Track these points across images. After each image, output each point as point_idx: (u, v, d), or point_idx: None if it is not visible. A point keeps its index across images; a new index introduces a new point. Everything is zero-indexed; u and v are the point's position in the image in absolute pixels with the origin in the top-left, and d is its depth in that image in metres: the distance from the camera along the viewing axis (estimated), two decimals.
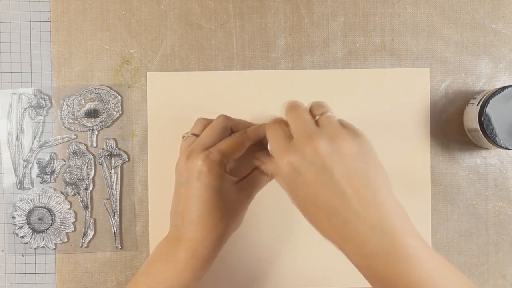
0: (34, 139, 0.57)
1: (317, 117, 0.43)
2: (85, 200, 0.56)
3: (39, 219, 0.56)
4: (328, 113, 0.43)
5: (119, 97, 0.57)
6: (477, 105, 0.51)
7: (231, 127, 0.50)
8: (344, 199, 0.38)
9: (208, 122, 0.50)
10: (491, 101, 0.50)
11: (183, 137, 0.51)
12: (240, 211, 0.48)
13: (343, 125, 0.42)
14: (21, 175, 0.57)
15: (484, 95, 0.51)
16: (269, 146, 0.46)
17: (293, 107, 0.44)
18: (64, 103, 0.57)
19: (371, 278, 0.39)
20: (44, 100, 0.57)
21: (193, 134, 0.50)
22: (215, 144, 0.47)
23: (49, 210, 0.56)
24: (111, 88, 0.57)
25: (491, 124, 0.50)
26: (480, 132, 0.50)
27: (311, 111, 0.44)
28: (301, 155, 0.39)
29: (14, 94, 0.57)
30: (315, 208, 0.40)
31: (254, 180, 0.49)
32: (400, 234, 0.38)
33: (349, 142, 0.39)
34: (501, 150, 0.56)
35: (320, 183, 0.39)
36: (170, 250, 0.47)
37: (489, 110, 0.50)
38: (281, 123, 0.45)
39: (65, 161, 0.57)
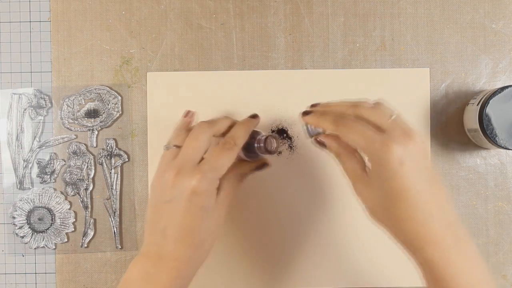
0: (34, 139, 0.57)
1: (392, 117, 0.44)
2: (85, 200, 0.56)
3: (39, 219, 0.56)
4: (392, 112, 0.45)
5: (119, 97, 0.57)
6: (477, 105, 0.51)
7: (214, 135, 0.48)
8: (432, 194, 0.41)
9: (188, 131, 0.48)
10: (491, 101, 0.50)
11: (165, 147, 0.48)
12: (220, 224, 0.46)
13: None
14: (21, 175, 0.57)
15: (484, 95, 0.51)
16: (260, 144, 0.48)
17: (378, 104, 0.45)
18: (64, 103, 0.57)
19: (437, 269, 0.41)
20: (44, 100, 0.57)
21: (176, 146, 0.47)
22: (201, 155, 0.45)
23: (49, 210, 0.56)
24: (111, 88, 0.57)
25: (491, 124, 0.50)
26: (480, 132, 0.50)
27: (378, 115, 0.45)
28: (405, 147, 0.40)
29: (14, 94, 0.57)
30: (402, 202, 0.41)
31: (229, 187, 0.47)
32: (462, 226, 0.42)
33: (420, 141, 0.42)
34: (501, 150, 0.56)
35: (418, 177, 0.40)
36: (151, 270, 0.44)
37: (489, 110, 0.50)
38: (350, 118, 0.44)
39: (65, 161, 0.57)
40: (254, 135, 0.49)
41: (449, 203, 0.42)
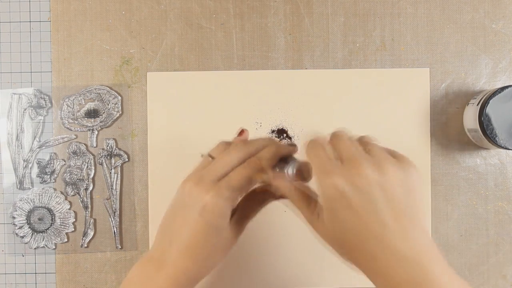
0: (34, 139, 0.57)
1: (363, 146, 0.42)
2: (85, 200, 0.56)
3: (39, 219, 0.56)
4: (374, 142, 0.43)
5: (119, 97, 0.57)
6: (477, 105, 0.51)
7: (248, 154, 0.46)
8: (383, 228, 0.38)
9: (228, 146, 0.47)
10: (491, 101, 0.50)
11: (202, 154, 0.48)
12: (230, 245, 0.45)
13: (391, 154, 0.42)
14: (21, 175, 0.57)
15: (484, 95, 0.51)
16: (289, 170, 0.45)
17: (339, 132, 0.44)
18: (64, 103, 0.57)
19: None
20: (44, 100, 0.57)
21: (210, 156, 0.46)
22: (227, 172, 0.44)
23: (49, 210, 0.56)
24: (111, 88, 0.57)
25: (491, 124, 0.50)
26: (480, 132, 0.50)
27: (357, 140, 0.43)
28: (348, 178, 0.39)
29: (14, 94, 0.57)
30: (350, 234, 0.39)
31: (247, 210, 0.46)
32: (430, 263, 0.38)
33: (395, 171, 0.39)
34: (501, 150, 0.56)
35: (363, 209, 0.38)
36: (150, 273, 0.44)
37: (489, 110, 0.50)
38: (321, 143, 0.43)
39: (65, 161, 0.57)
40: (288, 160, 0.46)
41: (418, 235, 0.38)
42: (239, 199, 0.44)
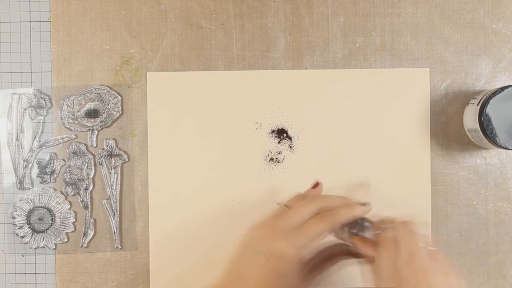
0: (34, 139, 0.57)
1: None
2: (85, 200, 0.56)
3: (39, 219, 0.56)
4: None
5: (119, 97, 0.57)
6: (477, 105, 0.51)
7: (321, 208, 0.48)
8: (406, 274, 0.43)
9: (303, 199, 0.49)
10: (491, 101, 0.50)
11: (278, 203, 0.50)
12: None
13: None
14: (21, 175, 0.57)
15: (484, 95, 0.51)
16: (365, 234, 0.47)
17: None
18: (64, 103, 0.57)
19: None
20: (44, 100, 0.57)
21: (286, 206, 0.48)
22: (301, 223, 0.46)
23: (49, 210, 0.56)
24: (111, 88, 0.57)
25: (491, 124, 0.50)
26: (480, 132, 0.50)
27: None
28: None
29: (14, 94, 0.57)
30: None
31: (318, 265, 0.48)
32: None
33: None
34: (501, 150, 0.56)
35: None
36: None
37: (489, 110, 0.50)
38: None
39: (65, 161, 0.57)
40: (362, 221, 0.48)
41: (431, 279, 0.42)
42: (308, 251, 0.46)
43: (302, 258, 0.45)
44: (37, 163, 0.57)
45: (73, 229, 0.57)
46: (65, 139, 0.57)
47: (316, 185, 0.52)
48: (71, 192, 0.56)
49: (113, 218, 0.57)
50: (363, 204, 0.49)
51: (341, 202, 0.48)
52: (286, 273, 0.44)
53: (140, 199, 0.57)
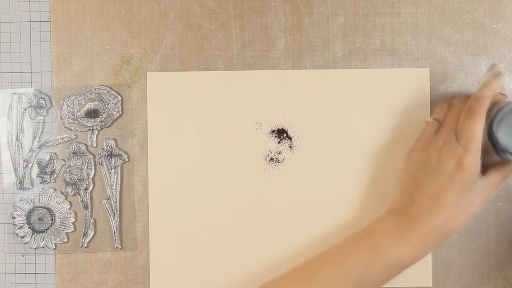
0: (34, 139, 0.57)
1: None
2: (85, 200, 0.56)
3: (39, 219, 0.56)
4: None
5: (119, 97, 0.57)
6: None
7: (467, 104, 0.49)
8: None
9: (449, 106, 0.51)
10: (500, 123, 0.48)
11: (425, 121, 0.52)
12: (476, 207, 0.48)
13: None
14: (21, 175, 0.57)
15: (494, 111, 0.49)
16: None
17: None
18: (64, 103, 0.57)
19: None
20: (44, 100, 0.57)
21: (436, 120, 0.50)
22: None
23: (49, 210, 0.56)
24: (111, 88, 0.57)
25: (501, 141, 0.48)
26: (491, 148, 0.49)
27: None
28: None
29: (14, 94, 0.57)
30: None
31: (498, 174, 0.49)
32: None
33: None
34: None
35: None
36: (401, 229, 0.48)
37: (498, 127, 0.48)
38: None
39: (65, 161, 0.57)
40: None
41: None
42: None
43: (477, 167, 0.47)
44: (37, 163, 0.57)
45: (73, 229, 0.57)
46: (65, 139, 0.57)
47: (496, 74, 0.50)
48: (71, 192, 0.56)
49: (113, 218, 0.57)
50: (496, 74, 0.49)
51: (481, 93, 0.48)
52: (470, 182, 0.46)
53: (140, 199, 0.57)
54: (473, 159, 0.46)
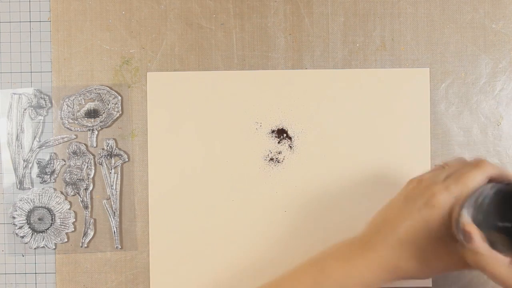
0: (34, 139, 0.57)
1: None
2: (85, 200, 0.56)
3: (39, 219, 0.56)
4: None
5: (119, 97, 0.57)
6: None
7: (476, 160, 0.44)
8: None
9: (466, 162, 0.45)
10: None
11: (435, 165, 0.48)
12: (437, 271, 0.43)
13: None
14: (21, 175, 0.57)
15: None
16: None
17: None
18: (64, 103, 0.57)
19: None
20: (44, 100, 0.57)
21: (444, 164, 0.46)
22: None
23: (49, 210, 0.56)
24: (111, 88, 0.57)
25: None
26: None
27: None
28: None
29: (14, 94, 0.57)
30: None
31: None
32: None
33: None
34: (501, 150, 0.56)
35: None
36: (352, 254, 0.44)
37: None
38: None
39: (65, 161, 0.57)
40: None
41: None
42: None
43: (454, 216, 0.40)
44: (37, 163, 0.57)
45: (73, 229, 0.57)
46: (65, 139, 0.57)
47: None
48: (71, 192, 0.56)
49: (113, 218, 0.57)
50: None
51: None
52: (434, 226, 0.41)
53: (140, 199, 0.57)
54: (447, 201, 0.41)
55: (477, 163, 0.42)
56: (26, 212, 0.56)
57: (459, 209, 0.39)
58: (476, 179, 0.41)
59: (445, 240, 0.41)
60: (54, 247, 0.57)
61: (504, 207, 0.40)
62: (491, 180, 0.42)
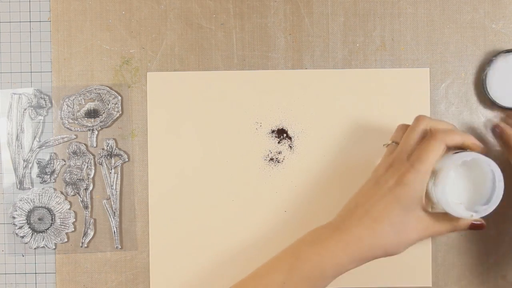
0: (34, 139, 0.57)
1: None
2: (85, 200, 0.56)
3: (39, 219, 0.56)
4: None
5: (119, 97, 0.57)
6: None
7: (430, 129, 0.47)
8: None
9: (407, 127, 0.49)
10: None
11: (384, 145, 0.50)
12: (409, 241, 0.45)
13: None
14: (21, 175, 0.57)
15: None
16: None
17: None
18: (64, 103, 0.57)
19: None
20: (44, 100, 0.57)
21: (394, 142, 0.49)
22: (415, 147, 0.46)
23: (49, 210, 0.56)
24: (111, 88, 0.57)
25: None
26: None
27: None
28: None
29: (14, 94, 0.57)
30: None
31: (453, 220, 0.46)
32: None
33: None
34: (502, 150, 0.56)
35: None
36: (323, 236, 0.46)
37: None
38: None
39: (65, 161, 0.57)
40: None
41: None
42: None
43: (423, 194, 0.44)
44: (37, 163, 0.57)
45: (73, 229, 0.57)
46: (65, 139, 0.57)
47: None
48: (71, 192, 0.56)
49: (113, 218, 0.57)
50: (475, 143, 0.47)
51: (449, 125, 0.47)
52: (408, 201, 0.44)
53: (140, 199, 0.57)
54: (416, 178, 0.44)
55: (433, 135, 0.45)
56: (26, 212, 0.56)
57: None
58: (434, 152, 0.44)
59: (415, 212, 0.45)
60: (54, 247, 0.57)
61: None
62: (449, 148, 0.46)
